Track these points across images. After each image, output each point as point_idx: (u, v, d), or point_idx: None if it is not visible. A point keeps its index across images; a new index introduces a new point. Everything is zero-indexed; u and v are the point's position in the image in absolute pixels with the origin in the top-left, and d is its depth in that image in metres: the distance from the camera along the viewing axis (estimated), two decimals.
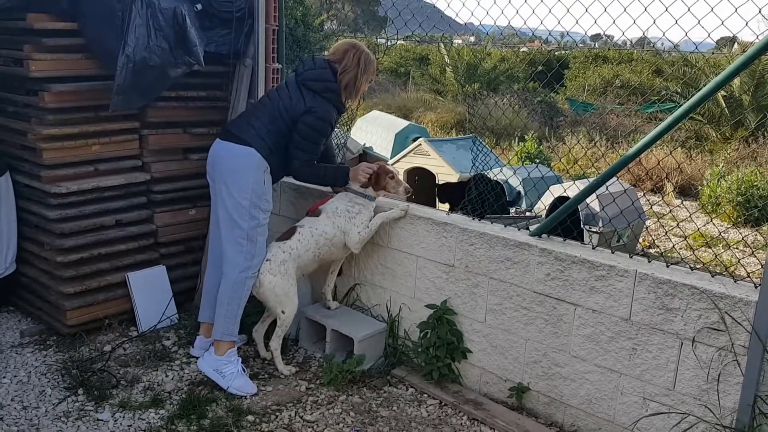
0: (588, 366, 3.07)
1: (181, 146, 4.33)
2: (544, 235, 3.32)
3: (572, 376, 3.13)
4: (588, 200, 5.59)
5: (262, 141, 3.49)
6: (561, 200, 5.72)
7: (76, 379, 3.40)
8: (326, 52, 3.70)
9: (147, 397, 3.31)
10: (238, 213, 3.45)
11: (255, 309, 3.95)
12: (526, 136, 11.89)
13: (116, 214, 4.05)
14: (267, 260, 3.55)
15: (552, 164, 11.04)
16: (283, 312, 3.55)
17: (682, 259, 3.41)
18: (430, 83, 23.19)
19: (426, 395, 3.46)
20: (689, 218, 6.59)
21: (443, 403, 3.39)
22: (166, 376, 3.54)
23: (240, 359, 3.48)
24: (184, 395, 3.33)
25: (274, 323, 3.65)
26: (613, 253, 3.11)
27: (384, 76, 24.19)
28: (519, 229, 3.44)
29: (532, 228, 3.39)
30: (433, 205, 8.06)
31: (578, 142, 12.82)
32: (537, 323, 3.23)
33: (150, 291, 4.10)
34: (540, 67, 14.56)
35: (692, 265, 2.95)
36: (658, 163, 10.23)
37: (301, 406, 3.32)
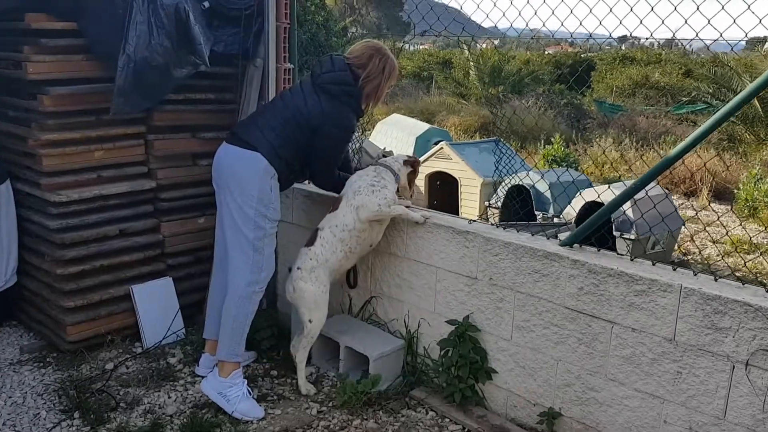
0: (627, 391, 2.77)
1: (189, 152, 4.11)
2: (576, 245, 3.03)
3: (609, 402, 2.84)
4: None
5: (269, 145, 3.26)
6: (593, 206, 5.42)
7: (73, 401, 3.19)
8: (346, 54, 3.43)
9: (147, 421, 3.08)
10: (243, 221, 3.22)
11: (266, 323, 3.73)
12: (552, 139, 11.55)
13: (120, 223, 3.85)
14: (298, 268, 3.35)
15: (580, 167, 10.70)
16: (310, 321, 3.32)
17: (732, 271, 3.09)
18: (453, 87, 22.89)
19: (447, 420, 3.18)
20: (719, 223, 6.24)
21: (466, 430, 3.11)
22: (169, 397, 3.31)
23: (245, 381, 3.24)
24: (185, 419, 3.09)
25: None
26: (653, 264, 2.81)
27: (407, 81, 23.96)
28: (548, 238, 3.16)
29: (563, 237, 3.11)
30: (456, 212, 7.81)
31: (611, 144, 12.45)
32: (569, 342, 2.94)
33: (156, 304, 3.88)
34: (565, 69, 14.22)
35: (744, 278, 2.64)
36: (693, 172, 9.83)
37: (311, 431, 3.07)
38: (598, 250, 3.00)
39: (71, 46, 3.55)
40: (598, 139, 13.51)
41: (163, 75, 3.55)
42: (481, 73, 20.99)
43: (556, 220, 6.16)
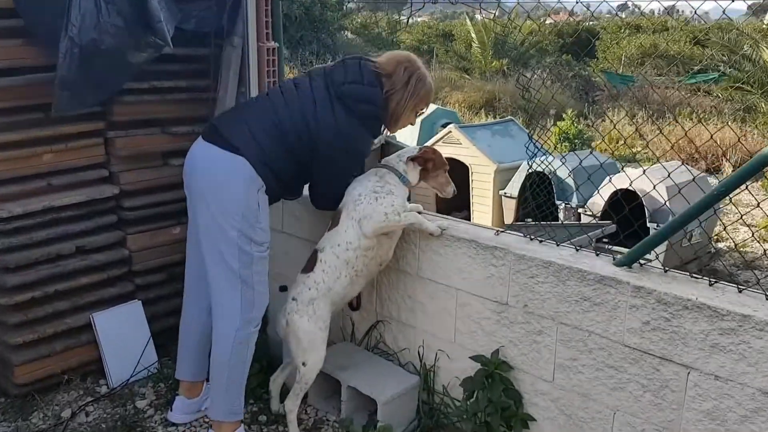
0: None
1: (158, 150, 3.49)
2: (636, 264, 2.41)
3: None
4: (652, 192, 4.65)
5: (257, 149, 2.62)
6: (626, 195, 4.79)
7: None
8: (374, 60, 2.80)
9: None
10: (225, 246, 2.60)
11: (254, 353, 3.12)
12: (563, 115, 10.85)
13: (77, 239, 3.23)
14: (293, 299, 2.76)
15: (594, 145, 10.03)
16: (304, 364, 2.72)
17: None
18: (455, 60, 22.08)
19: None
20: (751, 203, 5.60)
21: None
22: None
23: None
24: None
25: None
26: (740, 291, 2.20)
27: None
28: (597, 254, 2.54)
29: (616, 251, 2.49)
30: (465, 206, 7.15)
31: (623, 117, 11.75)
32: (630, 389, 2.33)
33: (122, 334, 3.28)
34: (569, 39, 13.50)
35: None
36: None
37: None
38: (665, 271, 2.38)
39: (7, 29, 2.91)
40: (610, 113, 12.80)
41: (118, 61, 2.91)
42: (484, 46, 20.18)
43: (580, 211, 5.55)
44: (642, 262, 2.42)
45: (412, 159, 2.84)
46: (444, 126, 7.41)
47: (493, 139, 6.93)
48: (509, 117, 7.89)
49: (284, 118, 2.66)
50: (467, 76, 19.54)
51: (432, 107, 8.41)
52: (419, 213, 3.00)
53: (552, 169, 5.77)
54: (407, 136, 7.73)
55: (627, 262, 2.41)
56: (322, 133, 2.65)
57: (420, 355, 2.98)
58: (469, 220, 7.06)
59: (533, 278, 2.54)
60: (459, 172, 7.06)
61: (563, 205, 5.79)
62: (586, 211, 5.56)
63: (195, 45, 3.38)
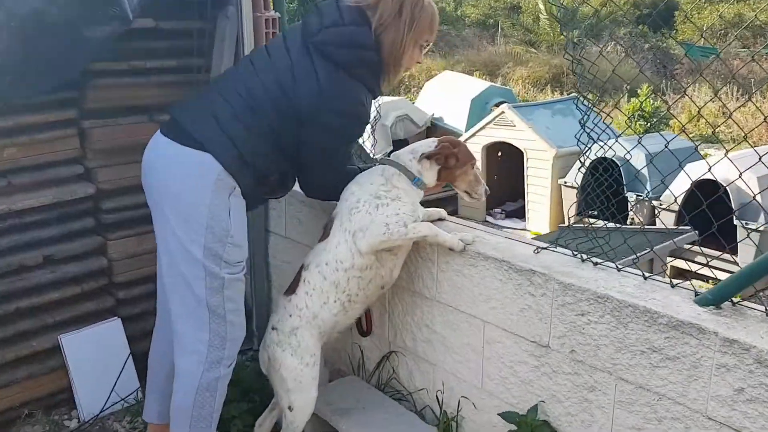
0: None
1: (142, 141, 2.90)
2: (727, 304, 1.74)
3: None
4: (741, 184, 3.87)
5: (227, 142, 2.07)
6: (702, 188, 4.02)
7: None
8: None
9: None
10: (188, 267, 2.07)
11: (240, 389, 2.61)
12: (638, 90, 9.87)
13: (44, 247, 2.77)
14: (273, 328, 2.22)
15: (672, 124, 9.07)
16: (290, 408, 2.19)
17: None
18: (521, 34, 20.99)
19: None
20: None
21: None
22: None
23: None
24: None
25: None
26: None
27: (469, 30, 22.13)
28: (673, 286, 1.87)
29: (701, 289, 1.81)
30: (520, 196, 6.42)
31: (706, 93, 10.67)
32: None
33: (97, 358, 2.81)
34: (645, 10, 12.42)
35: None
36: None
37: None
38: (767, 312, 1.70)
39: None
40: (690, 89, 11.67)
41: (72, 38, 2.39)
42: (553, 17, 19.03)
43: (654, 204, 4.78)
44: (735, 300, 1.74)
45: (428, 156, 2.22)
46: (498, 105, 6.67)
47: (552, 120, 6.15)
48: (574, 94, 7.06)
49: (257, 94, 2.10)
50: (533, 50, 18.49)
51: (485, 84, 7.63)
52: (441, 219, 2.39)
53: (621, 154, 5.00)
54: (457, 117, 7.02)
55: (714, 301, 1.73)
56: (303, 99, 2.07)
57: (439, 400, 2.38)
58: (524, 212, 6.34)
59: (583, 316, 1.89)
60: (513, 158, 6.35)
61: (634, 197, 5.01)
62: (660, 205, 4.78)
63: (183, 18, 2.87)
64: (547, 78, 14.98)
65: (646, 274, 1.93)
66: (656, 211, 4.89)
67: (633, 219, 4.89)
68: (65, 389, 2.78)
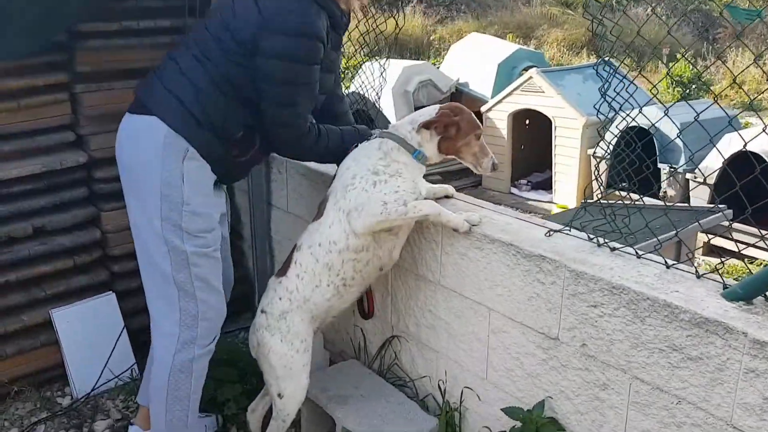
0: None
1: None
2: (760, 299, 1.52)
3: None
4: None
5: (173, 101, 1.92)
6: (740, 161, 3.73)
7: None
8: None
9: None
10: (152, 241, 1.95)
11: (234, 372, 2.47)
12: (677, 55, 9.41)
13: (35, 218, 2.67)
14: (262, 311, 2.07)
15: (711, 90, 8.62)
16: (280, 396, 2.05)
17: None
18: None
19: None
20: None
21: None
22: None
23: None
24: None
25: None
26: None
27: None
28: (699, 276, 1.66)
29: (731, 284, 1.60)
30: (548, 166, 6.13)
31: (750, 59, 10.15)
32: None
33: (90, 333, 2.70)
34: None
35: None
36: None
37: None
38: None
39: None
40: (733, 53, 11.13)
41: None
42: None
43: (689, 177, 4.48)
44: None
45: (426, 126, 2.01)
46: (527, 70, 6.34)
47: (584, 86, 5.83)
48: (608, 58, 6.67)
49: (204, 43, 1.94)
50: (570, 12, 17.83)
51: (513, 47, 7.25)
52: (447, 197, 2.20)
53: (654, 123, 4.70)
54: (483, 82, 6.72)
55: (745, 296, 1.52)
56: (245, 30, 1.87)
57: (441, 389, 2.22)
58: (551, 184, 6.08)
59: (596, 308, 1.70)
60: (541, 126, 6.06)
61: (667, 168, 4.71)
62: (695, 177, 4.49)
63: None
64: (583, 41, 14.41)
65: (670, 262, 1.72)
66: (689, 185, 4.60)
67: (665, 193, 4.61)
68: (58, 365, 2.69)
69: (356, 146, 2.08)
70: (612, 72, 1.85)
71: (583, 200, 3.22)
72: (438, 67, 7.47)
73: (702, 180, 4.06)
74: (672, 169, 4.67)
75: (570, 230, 1.93)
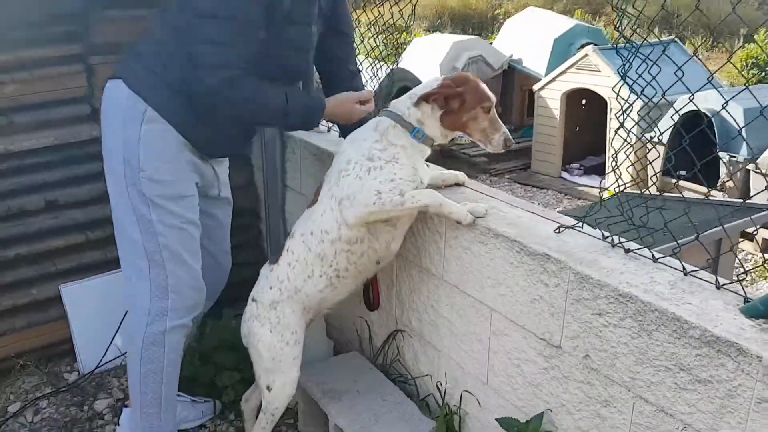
0: None
1: None
2: None
3: None
4: None
5: (135, 62, 1.86)
6: None
7: None
8: None
9: None
10: (123, 208, 1.93)
11: (232, 359, 2.40)
12: (754, 36, 8.82)
13: (47, 191, 2.64)
14: (253, 300, 1.99)
15: None
16: (268, 388, 1.97)
17: None
18: None
19: None
20: None
21: None
22: None
23: None
24: None
25: None
26: None
27: None
28: (719, 287, 1.46)
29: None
30: (603, 149, 5.81)
31: None
32: None
33: (99, 310, 2.67)
34: None
35: None
36: None
37: None
38: None
39: None
40: None
41: None
42: None
43: (749, 168, 4.14)
44: None
45: (425, 98, 1.84)
46: (584, 47, 5.99)
47: (644, 65, 5.46)
48: (672, 37, 6.27)
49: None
50: None
51: (571, 22, 6.86)
52: (458, 185, 2.04)
53: (716, 109, 4.35)
54: (537, 59, 6.40)
55: (766, 312, 1.32)
56: None
57: (441, 391, 2.08)
58: (604, 168, 5.77)
59: (601, 316, 1.52)
60: (597, 107, 5.75)
61: (727, 158, 4.37)
62: (757, 168, 4.13)
63: None
64: (657, 19, 13.70)
65: (689, 268, 1.52)
66: (750, 177, 4.24)
67: (723, 185, 4.28)
68: (67, 340, 2.68)
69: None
70: (633, 51, 1.63)
71: (617, 190, 2.98)
72: (491, 43, 7.18)
73: (763, 171, 3.72)
74: (732, 158, 4.33)
75: (582, 227, 1.75)
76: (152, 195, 1.86)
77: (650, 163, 3.39)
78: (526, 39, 6.63)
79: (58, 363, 2.68)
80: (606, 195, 5.47)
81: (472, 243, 1.86)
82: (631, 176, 5.14)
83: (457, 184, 2.08)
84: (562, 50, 6.28)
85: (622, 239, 1.66)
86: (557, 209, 5.43)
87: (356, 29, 2.43)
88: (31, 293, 2.63)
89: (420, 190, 1.82)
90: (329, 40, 2.10)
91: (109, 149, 1.91)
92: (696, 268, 1.52)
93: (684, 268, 1.53)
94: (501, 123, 1.88)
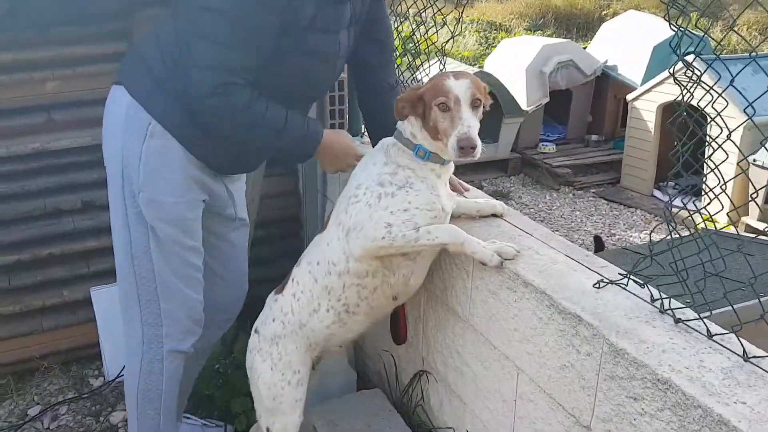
0: None
1: None
2: None
3: None
4: None
5: (139, 66, 1.70)
6: None
7: None
8: None
9: None
10: (120, 225, 1.80)
11: (243, 387, 2.25)
12: None
13: (84, 191, 2.59)
14: (255, 331, 1.82)
15: None
16: (268, 431, 1.79)
17: None
18: None
19: None
20: None
21: None
22: None
23: None
24: None
25: None
26: None
27: None
28: None
29: None
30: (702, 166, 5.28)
31: None
32: None
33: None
34: None
35: None
36: None
37: None
38: None
39: None
40: None
41: None
42: None
43: None
44: None
45: (398, 103, 1.59)
46: (687, 55, 5.44)
47: (753, 79, 4.88)
48: None
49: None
50: None
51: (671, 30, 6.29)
52: (497, 216, 1.80)
53: None
54: (634, 66, 5.90)
55: None
56: None
57: None
58: (699, 191, 5.25)
59: (636, 402, 1.24)
60: (698, 123, 5.22)
61: None
62: None
63: None
64: None
65: (752, 351, 1.21)
66: None
67: None
68: (94, 344, 2.62)
69: None
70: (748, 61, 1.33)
71: (708, 228, 2.51)
72: (585, 48, 6.73)
73: None
74: None
75: (627, 285, 1.46)
76: (151, 218, 1.72)
77: (756, 191, 2.96)
78: (624, 44, 6.14)
79: (84, 367, 2.63)
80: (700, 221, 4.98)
81: (500, 288, 1.61)
82: (731, 201, 4.65)
83: (494, 215, 1.82)
84: (662, 57, 5.76)
85: (676, 303, 1.37)
86: (643, 232, 4.98)
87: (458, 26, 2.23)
88: (61, 294, 2.59)
89: (438, 225, 1.57)
90: (364, 47, 1.89)
91: (108, 160, 1.78)
92: (762, 353, 1.21)
93: (745, 351, 1.22)
94: (469, 123, 1.48)
